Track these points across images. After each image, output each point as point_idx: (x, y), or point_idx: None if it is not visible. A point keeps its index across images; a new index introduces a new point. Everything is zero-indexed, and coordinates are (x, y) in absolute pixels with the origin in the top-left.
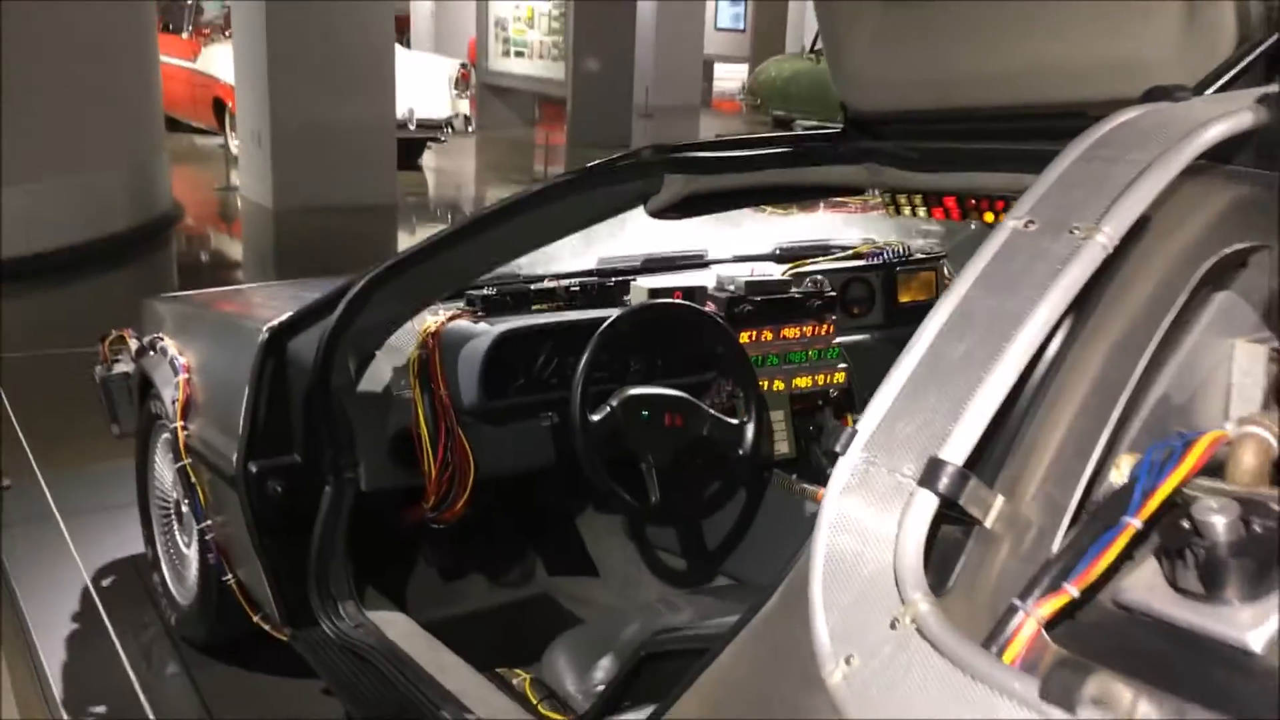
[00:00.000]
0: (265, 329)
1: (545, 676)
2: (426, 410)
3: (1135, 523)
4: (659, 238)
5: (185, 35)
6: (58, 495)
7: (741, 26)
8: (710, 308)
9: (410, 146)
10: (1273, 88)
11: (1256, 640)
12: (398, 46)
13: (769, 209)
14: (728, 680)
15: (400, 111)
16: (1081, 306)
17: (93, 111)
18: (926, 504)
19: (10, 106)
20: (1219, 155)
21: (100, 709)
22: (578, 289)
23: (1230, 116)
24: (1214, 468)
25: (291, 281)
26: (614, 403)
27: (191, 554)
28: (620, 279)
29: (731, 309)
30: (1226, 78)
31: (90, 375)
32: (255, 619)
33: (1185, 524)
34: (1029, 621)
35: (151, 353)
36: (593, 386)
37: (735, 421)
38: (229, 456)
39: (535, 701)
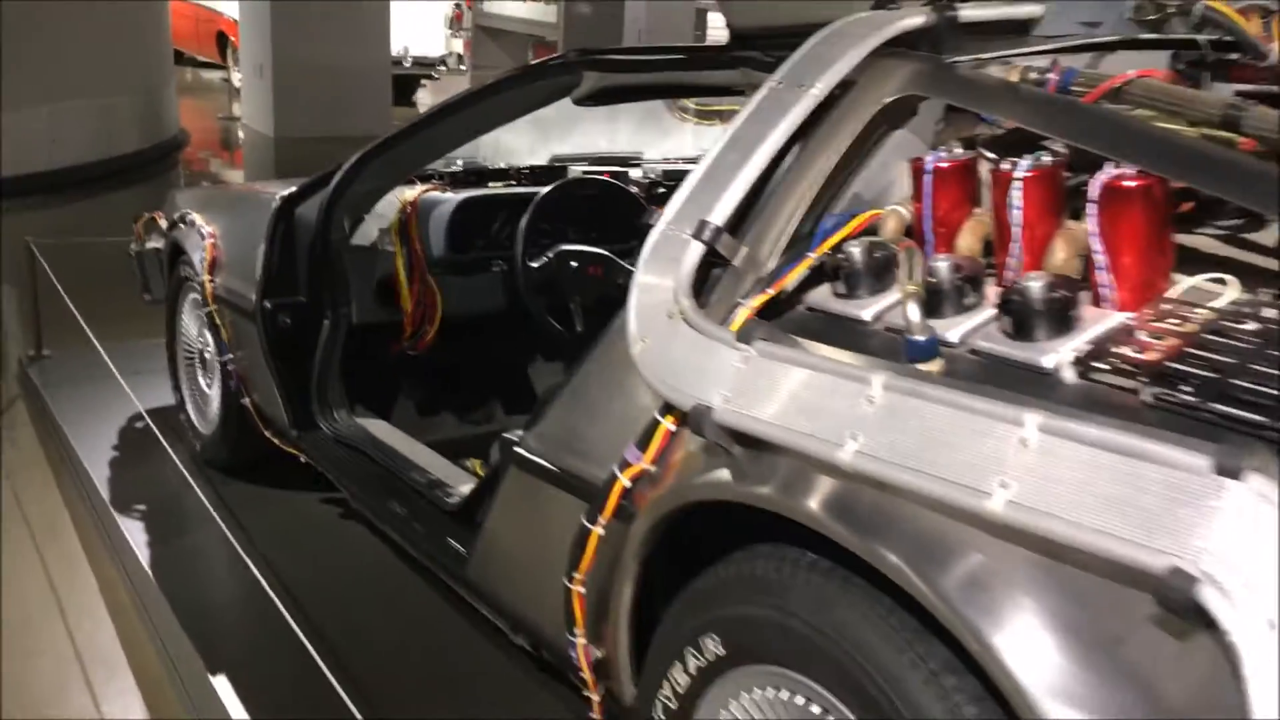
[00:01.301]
0: (278, 197)
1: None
2: (405, 261)
3: (812, 256)
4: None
5: None
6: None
7: None
8: (635, 190)
9: (405, 83)
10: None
11: (869, 315)
12: None
13: (696, 120)
14: (578, 391)
15: (396, 49)
16: (805, 132)
17: (108, 41)
18: (695, 249)
19: (34, 35)
20: (908, 43)
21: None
22: (528, 172)
23: (908, 18)
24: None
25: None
26: (550, 255)
27: (214, 392)
28: (563, 165)
29: (651, 190)
30: None
31: (126, 253)
32: (267, 434)
33: (842, 256)
34: (743, 309)
35: (181, 225)
36: (536, 244)
37: None
38: (249, 298)
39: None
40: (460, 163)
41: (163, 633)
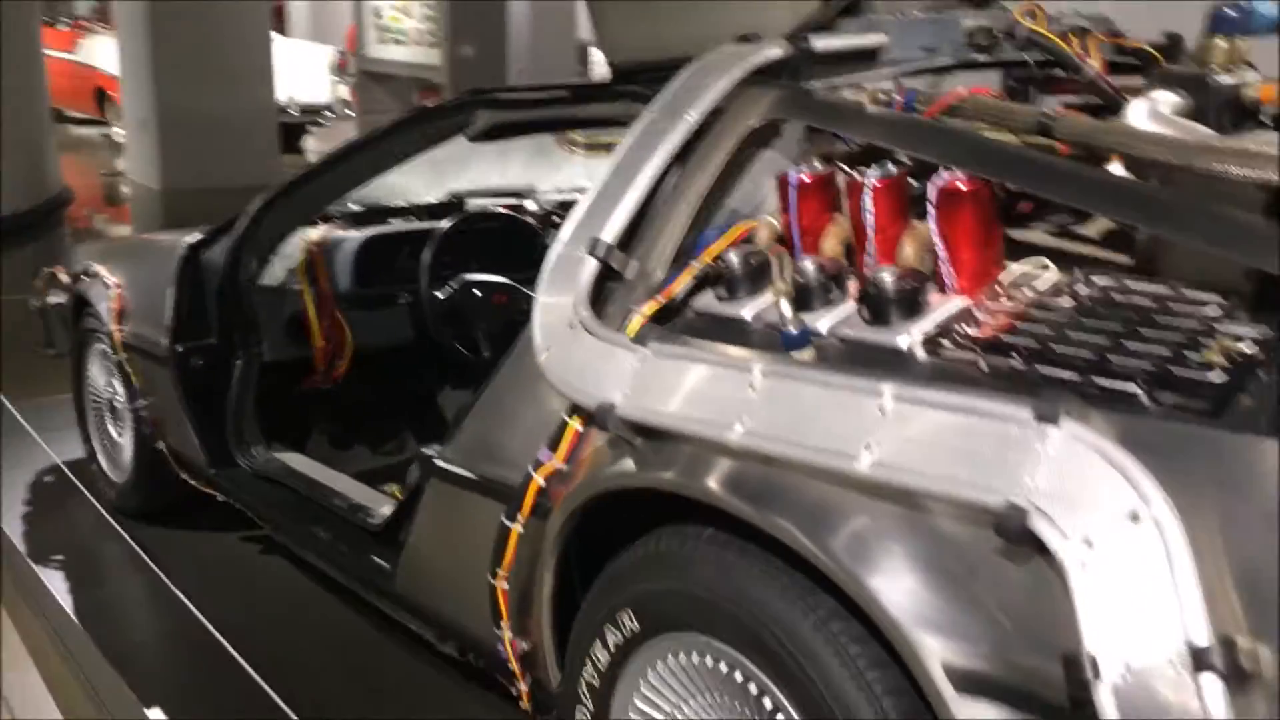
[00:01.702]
0: (184, 244)
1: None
2: (313, 299)
3: (695, 265)
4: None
5: (63, 28)
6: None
7: None
8: (531, 221)
9: (292, 130)
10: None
11: (749, 314)
12: (276, 35)
13: (584, 153)
14: (490, 404)
15: (281, 97)
16: (683, 156)
17: None
18: (590, 265)
19: None
20: (770, 72)
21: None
22: (429, 208)
23: (768, 51)
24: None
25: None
26: (454, 285)
27: (125, 440)
28: (460, 200)
29: (547, 221)
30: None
31: (28, 309)
32: (184, 476)
33: (722, 264)
34: (637, 316)
35: (85, 278)
36: (440, 276)
37: None
38: (160, 343)
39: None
40: (355, 206)
41: (90, 673)
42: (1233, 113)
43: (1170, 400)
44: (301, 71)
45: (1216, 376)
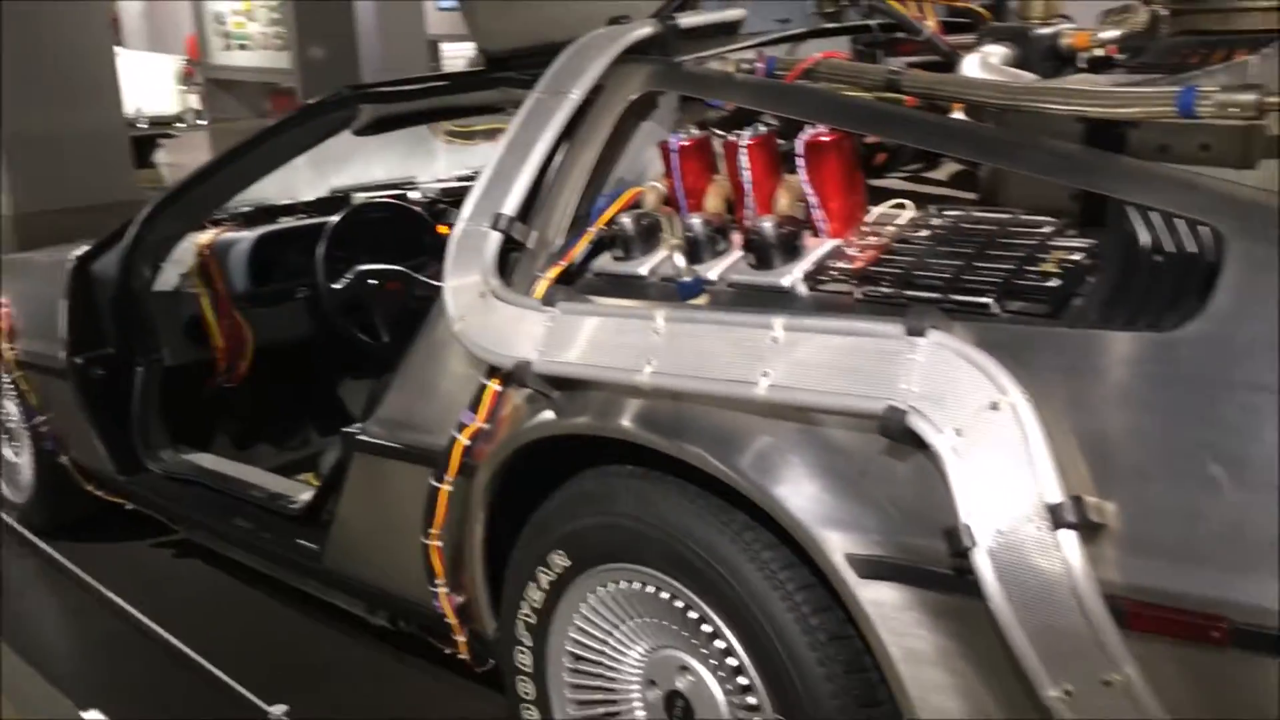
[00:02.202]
0: (72, 256)
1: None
2: (210, 301)
3: (591, 230)
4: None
5: None
6: None
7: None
8: (417, 209)
9: (143, 144)
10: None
11: (644, 270)
12: (119, 48)
13: (459, 141)
14: (408, 378)
15: (129, 110)
16: (570, 131)
17: None
18: (494, 238)
19: None
20: (642, 50)
21: None
22: (315, 204)
23: (639, 30)
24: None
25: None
26: (349, 276)
27: (23, 459)
28: (345, 194)
29: (431, 208)
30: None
31: None
32: (89, 487)
33: (616, 227)
34: (543, 281)
35: None
36: (335, 268)
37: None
38: (56, 357)
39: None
40: (244, 207)
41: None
42: (1053, 59)
43: (1017, 307)
44: (147, 83)
45: (1053, 284)
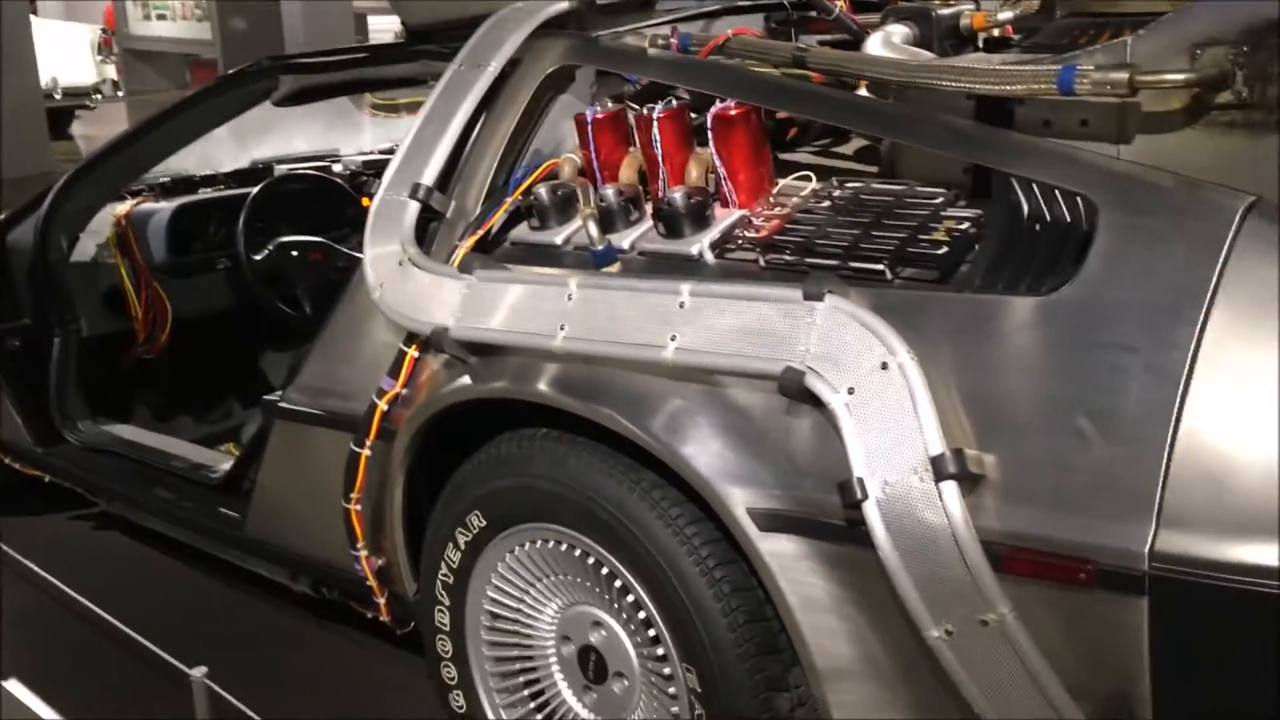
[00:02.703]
0: None
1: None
2: (129, 271)
3: (509, 200)
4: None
5: None
6: None
7: None
8: (339, 181)
9: (60, 115)
10: None
11: (559, 239)
12: (33, 18)
13: (383, 114)
14: (328, 345)
15: (45, 81)
16: (487, 103)
17: None
18: (413, 207)
19: None
20: (560, 24)
21: None
22: (235, 175)
23: (556, 4)
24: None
25: None
26: (271, 247)
27: None
28: (267, 166)
29: (354, 180)
30: None
31: None
32: (6, 460)
33: (532, 198)
34: (460, 249)
35: None
36: (255, 240)
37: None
38: None
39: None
40: (163, 178)
41: None
42: (953, 39)
43: (909, 273)
44: (62, 53)
45: (942, 251)
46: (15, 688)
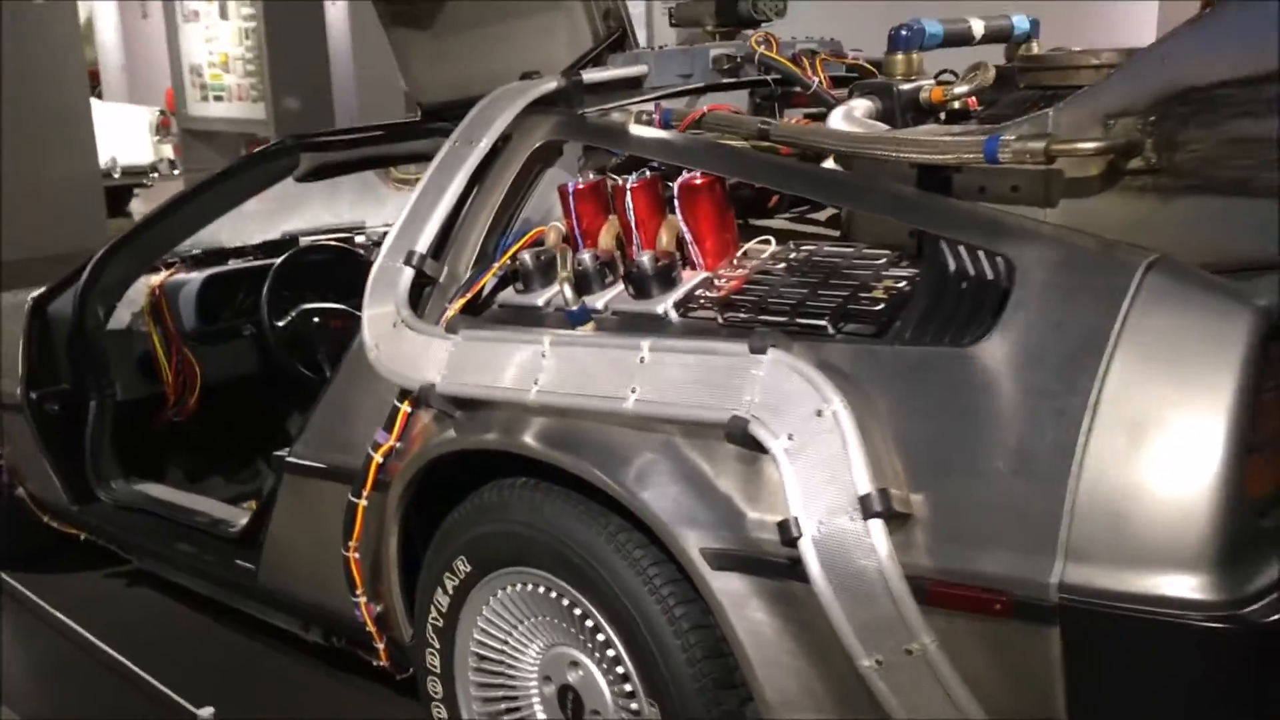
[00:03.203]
0: (30, 297)
1: None
2: (160, 338)
3: (496, 265)
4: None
5: None
6: None
7: None
8: (361, 253)
9: (118, 193)
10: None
11: (541, 301)
12: (94, 100)
13: (406, 187)
14: (331, 403)
15: (104, 160)
16: (480, 176)
17: None
18: (407, 273)
19: None
20: (549, 101)
21: None
22: (263, 247)
23: (546, 84)
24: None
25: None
26: (293, 314)
27: None
28: (294, 238)
29: (375, 250)
30: (585, 61)
31: None
32: (45, 519)
33: (518, 263)
34: (450, 311)
35: None
36: (279, 307)
37: None
38: (14, 393)
39: None
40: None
41: None
42: (914, 111)
43: (849, 328)
44: (122, 133)
45: (879, 308)
46: None
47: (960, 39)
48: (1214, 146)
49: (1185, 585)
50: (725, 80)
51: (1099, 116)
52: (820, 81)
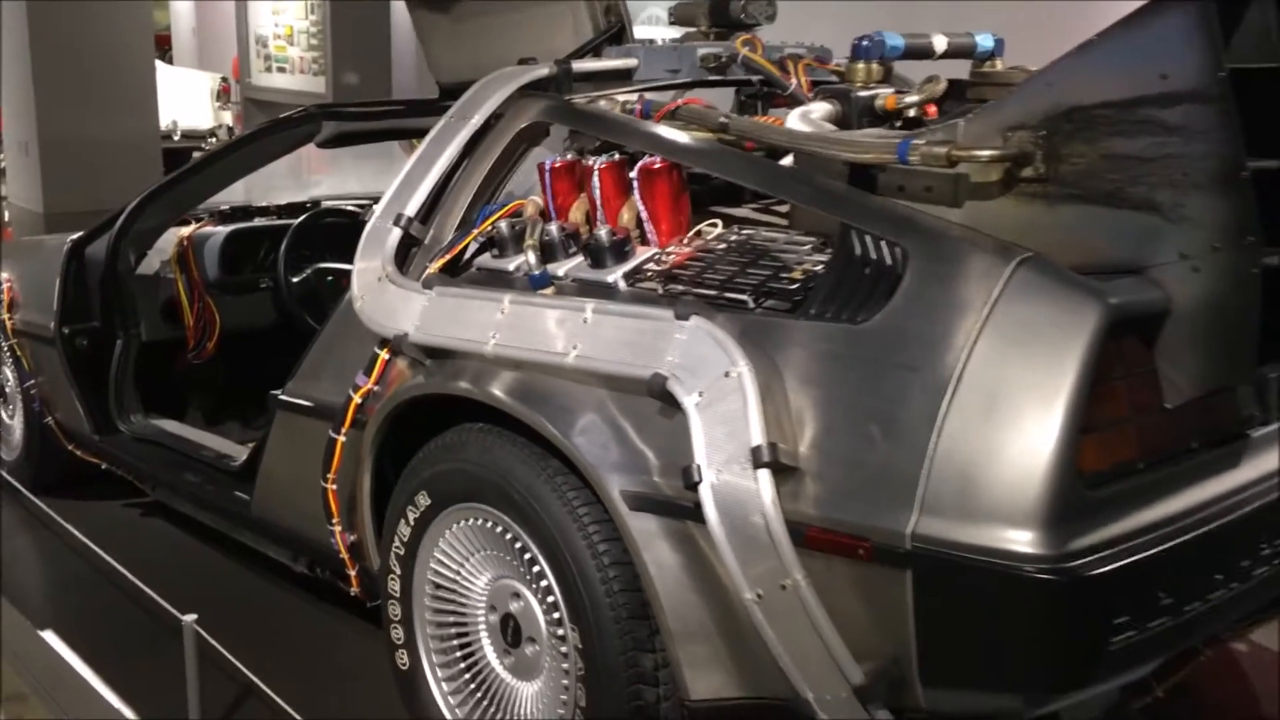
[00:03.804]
0: (69, 239)
1: None
2: (185, 286)
3: (475, 231)
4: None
5: None
6: None
7: None
8: None
9: (176, 156)
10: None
11: (512, 266)
12: (160, 63)
13: None
14: (322, 347)
15: (165, 123)
16: (470, 149)
17: None
18: (395, 233)
19: None
20: (541, 86)
21: None
22: (286, 207)
23: (538, 70)
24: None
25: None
26: (309, 271)
27: (15, 421)
28: (317, 201)
29: None
30: (582, 51)
31: None
32: (70, 446)
33: (495, 230)
34: (429, 270)
35: None
36: (296, 265)
37: None
38: (48, 327)
39: None
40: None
41: None
42: (870, 116)
43: (768, 304)
44: (185, 98)
45: (794, 287)
46: (50, 638)
47: (921, 53)
48: (1092, 161)
49: (1018, 540)
50: (711, 78)
51: (1000, 128)
52: (800, 84)
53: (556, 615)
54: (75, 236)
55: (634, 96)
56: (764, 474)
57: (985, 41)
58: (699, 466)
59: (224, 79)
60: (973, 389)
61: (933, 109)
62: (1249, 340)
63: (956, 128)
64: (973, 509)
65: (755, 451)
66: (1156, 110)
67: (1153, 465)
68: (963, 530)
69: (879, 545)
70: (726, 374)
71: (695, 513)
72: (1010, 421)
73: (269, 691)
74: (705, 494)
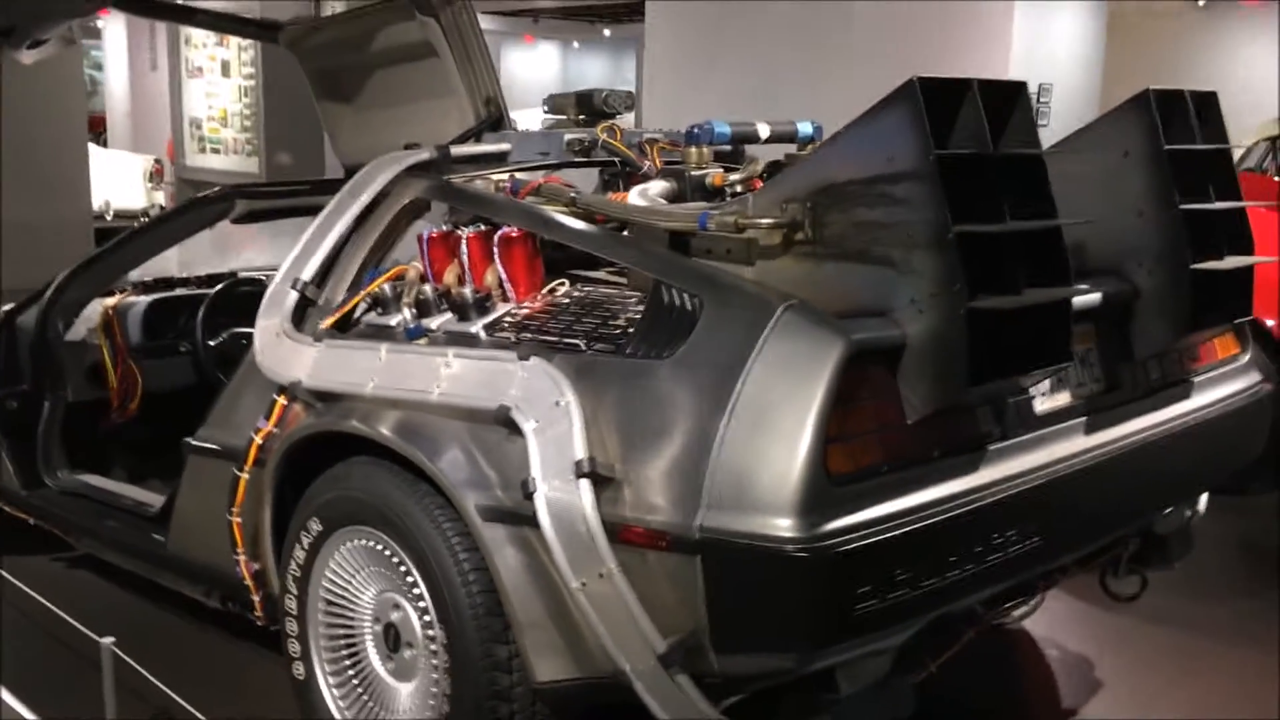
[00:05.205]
0: (1, 310)
1: None
2: (110, 351)
3: (362, 293)
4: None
5: None
6: None
7: None
8: None
9: (109, 236)
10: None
11: (394, 322)
12: (93, 145)
13: None
14: (229, 395)
15: (97, 203)
16: (359, 223)
17: None
18: (293, 295)
19: None
20: (424, 168)
21: None
22: (205, 278)
23: (422, 154)
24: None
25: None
26: (224, 335)
27: None
28: (233, 272)
29: None
30: (464, 138)
31: None
32: None
33: (380, 292)
34: (320, 326)
35: None
36: (214, 330)
37: None
38: None
39: None
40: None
41: None
42: (702, 192)
43: (597, 346)
44: (118, 179)
45: (618, 333)
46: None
47: (747, 139)
48: (845, 226)
49: (779, 527)
50: (576, 160)
51: (778, 201)
52: (653, 164)
53: (428, 619)
54: (7, 307)
55: (505, 176)
56: (585, 484)
57: (805, 128)
58: (534, 479)
59: (157, 160)
60: (747, 408)
61: (758, 185)
62: (961, 367)
63: (747, 201)
64: (745, 503)
65: (578, 465)
66: (888, 186)
67: (895, 469)
68: (738, 520)
69: (675, 537)
70: (557, 403)
71: (532, 520)
72: (774, 433)
73: (185, 704)
74: (539, 502)
